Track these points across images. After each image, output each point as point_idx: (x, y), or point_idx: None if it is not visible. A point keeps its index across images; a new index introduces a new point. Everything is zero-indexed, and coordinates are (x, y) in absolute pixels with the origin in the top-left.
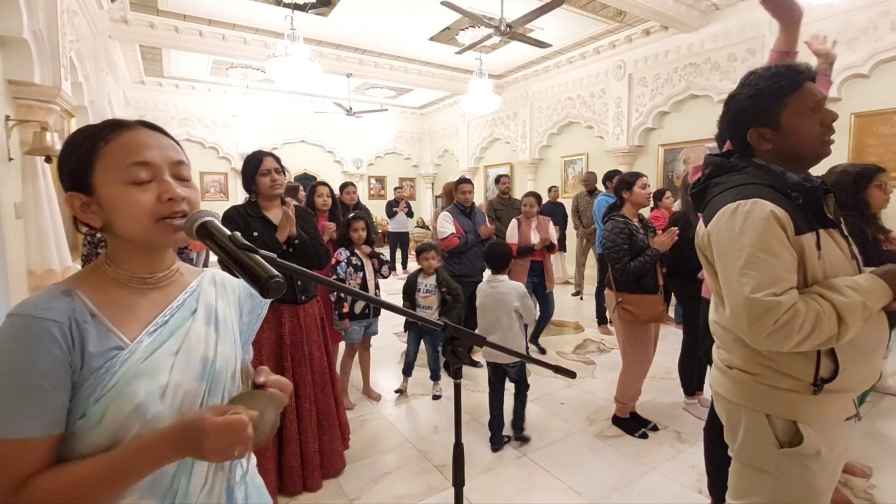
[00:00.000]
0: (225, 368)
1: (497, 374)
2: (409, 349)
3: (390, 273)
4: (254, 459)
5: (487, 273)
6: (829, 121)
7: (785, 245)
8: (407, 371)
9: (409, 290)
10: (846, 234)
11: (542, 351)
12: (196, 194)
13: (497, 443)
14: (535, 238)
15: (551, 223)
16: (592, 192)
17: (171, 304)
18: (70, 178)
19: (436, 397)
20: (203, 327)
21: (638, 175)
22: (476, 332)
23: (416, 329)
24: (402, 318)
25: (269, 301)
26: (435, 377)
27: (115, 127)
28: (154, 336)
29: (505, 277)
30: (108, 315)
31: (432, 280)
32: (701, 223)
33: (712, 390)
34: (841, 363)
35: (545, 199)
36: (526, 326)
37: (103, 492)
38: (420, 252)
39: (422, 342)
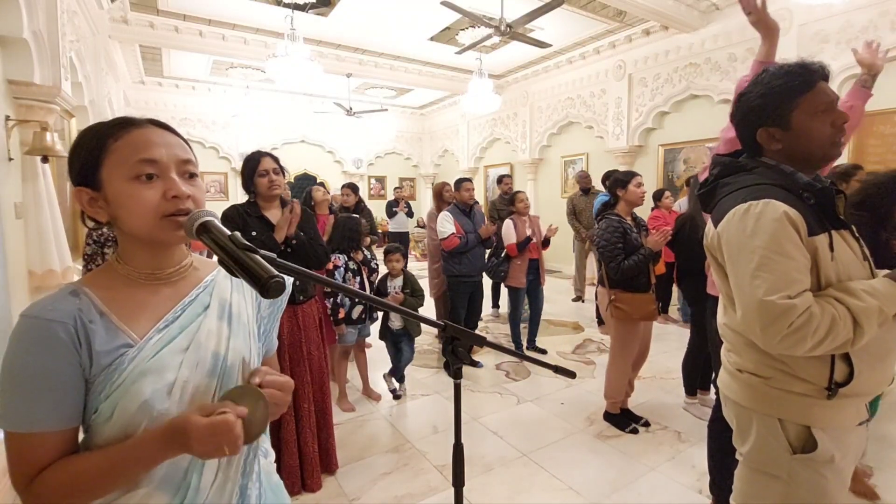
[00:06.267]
0: (237, 364)
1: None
2: (391, 357)
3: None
4: (271, 455)
5: None
6: (840, 122)
7: (798, 246)
8: (399, 377)
9: (381, 295)
10: (857, 235)
11: (543, 352)
12: (202, 193)
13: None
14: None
15: (541, 220)
16: (587, 191)
17: (182, 299)
18: (79, 173)
19: (397, 396)
20: (216, 322)
21: (633, 174)
22: None
23: (390, 336)
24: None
25: (288, 292)
26: (399, 379)
27: (124, 124)
28: (163, 333)
29: None
30: (117, 313)
31: (399, 282)
32: (710, 224)
33: (721, 394)
34: (856, 366)
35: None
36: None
37: (103, 485)
38: (385, 254)
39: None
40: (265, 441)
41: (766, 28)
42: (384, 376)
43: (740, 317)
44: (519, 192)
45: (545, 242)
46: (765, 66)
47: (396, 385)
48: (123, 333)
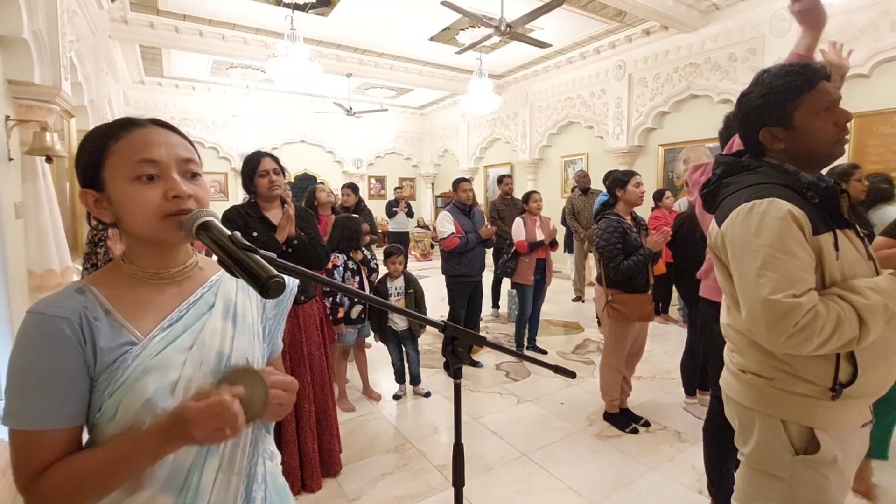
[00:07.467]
0: (241, 363)
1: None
2: (392, 359)
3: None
4: (277, 458)
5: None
6: (843, 121)
7: (803, 245)
8: (399, 378)
9: (382, 297)
10: (861, 234)
11: (543, 352)
12: (205, 192)
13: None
14: (539, 235)
15: (551, 222)
16: (586, 191)
17: (187, 299)
18: (83, 174)
19: (427, 394)
20: (220, 322)
21: (632, 173)
22: None
23: (393, 338)
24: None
25: (293, 293)
26: (415, 382)
27: (126, 125)
28: (167, 331)
29: None
30: (122, 311)
31: (400, 282)
32: (713, 223)
33: (723, 394)
34: (860, 366)
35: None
36: (525, 329)
37: (106, 481)
38: (387, 256)
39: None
40: (270, 443)
41: (815, 18)
42: (407, 386)
43: (745, 316)
44: (534, 192)
45: (553, 243)
46: (802, 59)
47: (422, 388)
48: (127, 331)
